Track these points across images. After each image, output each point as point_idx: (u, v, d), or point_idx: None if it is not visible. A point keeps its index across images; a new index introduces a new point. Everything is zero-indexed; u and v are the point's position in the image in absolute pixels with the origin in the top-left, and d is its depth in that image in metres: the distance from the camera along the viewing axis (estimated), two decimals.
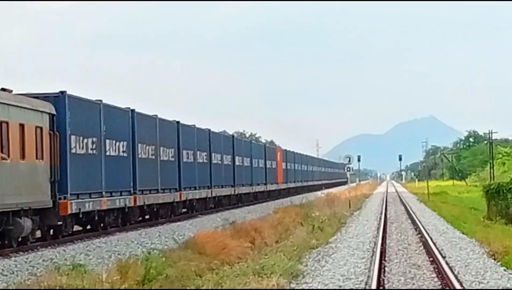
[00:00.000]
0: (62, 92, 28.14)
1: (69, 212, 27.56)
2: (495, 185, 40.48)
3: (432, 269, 20.66)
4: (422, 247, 26.72)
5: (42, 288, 15.71)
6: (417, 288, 17.54)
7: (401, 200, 75.16)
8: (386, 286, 17.89)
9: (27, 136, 25.37)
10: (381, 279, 18.60)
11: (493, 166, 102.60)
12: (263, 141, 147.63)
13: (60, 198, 27.18)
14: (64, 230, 28.11)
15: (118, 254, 23.58)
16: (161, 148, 38.94)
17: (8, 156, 24.21)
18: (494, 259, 22.36)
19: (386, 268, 20.98)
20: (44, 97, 27.43)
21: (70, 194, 27.79)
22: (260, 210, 47.29)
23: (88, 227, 31.28)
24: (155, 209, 37.71)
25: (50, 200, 26.77)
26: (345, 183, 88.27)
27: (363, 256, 24.00)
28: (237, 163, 56.92)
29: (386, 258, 23.39)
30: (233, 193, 54.82)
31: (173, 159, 41.08)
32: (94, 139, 30.51)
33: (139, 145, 35.64)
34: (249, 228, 28.72)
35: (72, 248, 25.39)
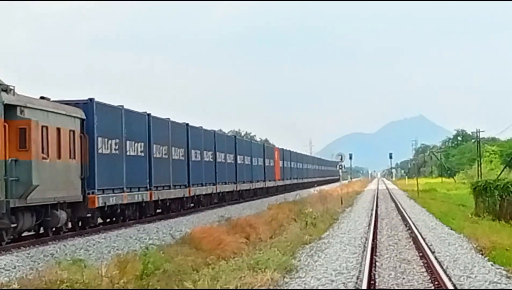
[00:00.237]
0: (91, 99, 30.25)
1: (96, 205, 29.81)
2: (483, 183, 40.33)
3: (422, 264, 20.64)
4: (412, 243, 26.61)
5: (43, 282, 15.80)
6: (409, 285, 17.29)
7: (391, 197, 74.39)
8: (377, 281, 17.69)
9: (63, 139, 27.51)
10: (372, 273, 18.50)
11: (480, 164, 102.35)
12: (258, 139, 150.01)
13: (88, 193, 29.44)
14: (91, 221, 30.61)
15: (117, 249, 23.78)
16: (173, 148, 40.87)
17: (48, 156, 26.27)
18: (482, 254, 22.33)
19: (377, 263, 20.94)
20: (75, 103, 29.67)
21: (97, 190, 29.94)
22: (256, 207, 47.44)
23: (108, 219, 33.49)
24: (167, 204, 40.00)
25: (81, 195, 29.14)
26: (337, 180, 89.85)
27: (354, 251, 23.93)
28: (239, 161, 58.49)
29: (377, 253, 23.33)
30: (235, 189, 56.67)
31: (183, 158, 43.05)
32: (117, 141, 32.60)
33: (154, 145, 37.62)
34: (244, 224, 29.25)
35: (72, 244, 25.47)
